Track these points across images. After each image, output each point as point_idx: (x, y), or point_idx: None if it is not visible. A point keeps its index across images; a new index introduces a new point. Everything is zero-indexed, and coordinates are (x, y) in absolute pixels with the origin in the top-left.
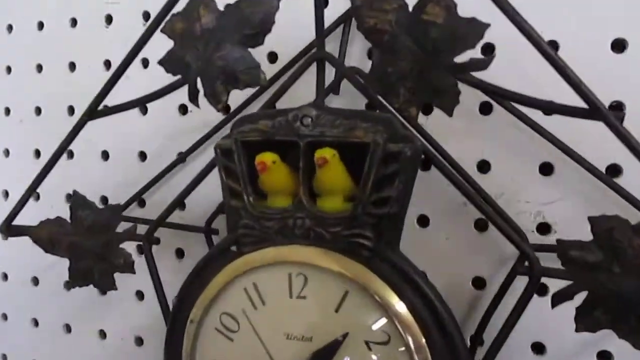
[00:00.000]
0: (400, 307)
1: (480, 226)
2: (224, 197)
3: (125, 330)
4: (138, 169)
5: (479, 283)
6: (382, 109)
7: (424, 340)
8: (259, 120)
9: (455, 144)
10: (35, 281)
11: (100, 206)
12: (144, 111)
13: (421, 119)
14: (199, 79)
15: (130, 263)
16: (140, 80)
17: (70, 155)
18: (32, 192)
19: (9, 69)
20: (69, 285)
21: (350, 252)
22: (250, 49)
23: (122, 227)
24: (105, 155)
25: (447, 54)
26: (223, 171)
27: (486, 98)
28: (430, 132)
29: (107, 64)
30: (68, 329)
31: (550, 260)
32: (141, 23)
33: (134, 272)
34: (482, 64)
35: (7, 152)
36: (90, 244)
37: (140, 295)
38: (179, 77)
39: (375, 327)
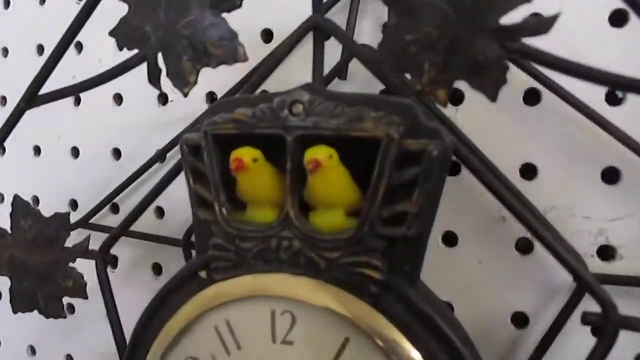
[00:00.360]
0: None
1: (523, 247)
2: (192, 207)
3: (92, 356)
4: (112, 169)
5: (520, 320)
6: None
7: None
8: (236, 108)
9: (492, 142)
10: None
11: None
12: (119, 102)
13: (448, 110)
14: (160, 55)
15: (81, 286)
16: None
17: (37, 152)
18: None
19: None
20: (13, 309)
21: (352, 286)
22: (225, 15)
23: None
24: (75, 152)
25: (491, 14)
26: (190, 174)
27: (533, 83)
28: (460, 128)
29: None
30: (32, 350)
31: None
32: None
33: (86, 297)
34: (543, 26)
35: None
36: (34, 261)
37: None
38: (136, 52)
39: None
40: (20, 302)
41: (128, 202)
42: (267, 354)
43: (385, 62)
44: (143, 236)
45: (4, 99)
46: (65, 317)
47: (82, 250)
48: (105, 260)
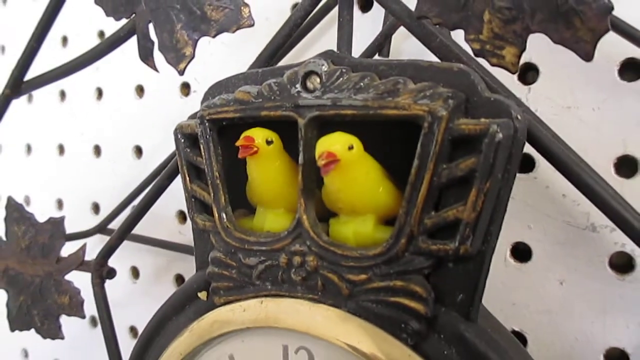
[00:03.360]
0: None
1: (620, 265)
2: (188, 213)
3: None
4: (133, 167)
5: (615, 358)
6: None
7: None
8: (239, 87)
9: (577, 131)
10: None
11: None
12: (140, 94)
13: (519, 90)
14: (151, 25)
15: (77, 303)
16: None
17: (61, 150)
18: None
19: None
20: (10, 327)
21: (385, 320)
22: None
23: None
24: (97, 150)
25: None
26: (186, 170)
27: (631, 51)
28: (534, 111)
29: None
30: None
31: None
32: None
33: (83, 316)
34: None
35: None
36: (30, 273)
37: (134, 332)
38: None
39: None
40: (16, 320)
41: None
42: None
43: (431, 16)
44: (161, 244)
45: None
46: (62, 338)
47: (77, 262)
48: (102, 273)
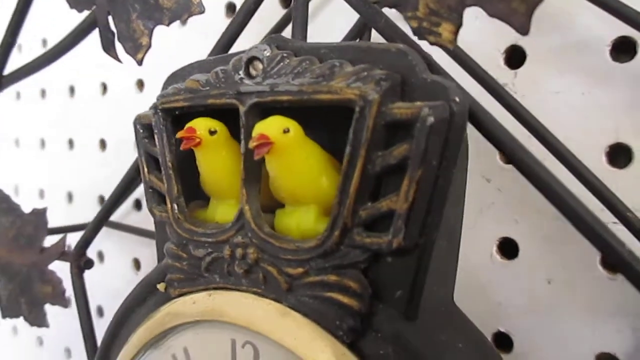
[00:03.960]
0: None
1: (612, 264)
2: (147, 203)
3: None
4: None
5: None
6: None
7: None
8: (190, 75)
9: (567, 117)
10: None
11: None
12: (140, 88)
13: (505, 76)
14: (110, 17)
15: (60, 292)
16: None
17: (71, 145)
18: None
19: None
20: (2, 314)
21: (322, 316)
22: None
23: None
24: (102, 144)
25: None
26: (144, 161)
27: (623, 30)
28: (521, 100)
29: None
30: (68, 353)
31: None
32: None
33: (65, 305)
34: None
35: None
36: (17, 262)
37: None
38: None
39: None
40: (7, 308)
41: None
42: None
43: None
44: (124, 228)
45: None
46: (47, 326)
47: (58, 253)
48: (80, 263)
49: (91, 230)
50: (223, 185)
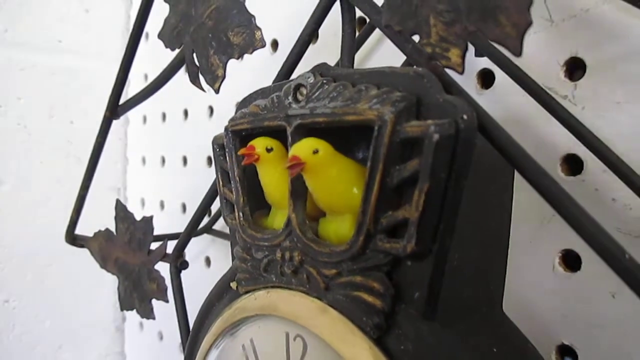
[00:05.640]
0: None
1: None
2: (223, 216)
3: None
4: None
5: None
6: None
7: None
8: (254, 101)
9: (630, 127)
10: None
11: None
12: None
13: (564, 87)
14: (194, 53)
15: (163, 290)
16: None
17: (185, 161)
18: (83, 199)
19: None
20: (120, 306)
21: (354, 314)
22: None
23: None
24: (209, 161)
25: None
26: (220, 176)
27: None
28: (581, 112)
29: None
30: (160, 336)
31: None
32: None
33: (167, 300)
34: None
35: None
36: (131, 262)
37: None
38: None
39: None
40: (124, 301)
41: None
42: None
43: (393, 24)
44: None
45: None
46: (154, 318)
47: (161, 255)
48: (177, 264)
49: (185, 236)
50: (280, 195)
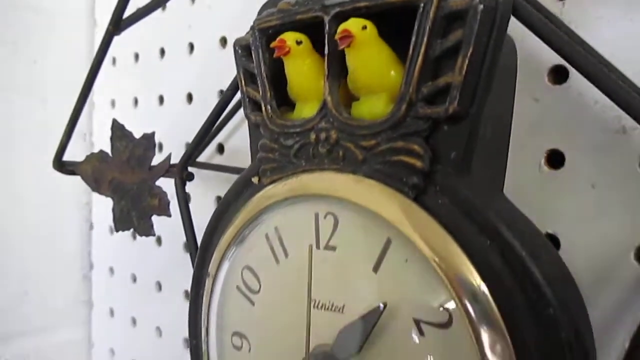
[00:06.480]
0: (468, 276)
1: None
2: (244, 111)
3: None
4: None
5: None
6: None
7: (510, 348)
8: (279, 1)
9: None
10: (134, 235)
11: None
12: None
13: (553, 5)
14: None
15: (165, 204)
16: None
17: (161, 100)
18: (74, 122)
19: None
20: (115, 228)
21: (392, 178)
22: None
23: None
24: (189, 97)
25: None
26: (242, 76)
27: None
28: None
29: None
30: (159, 286)
31: None
32: None
33: (169, 214)
34: None
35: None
36: (129, 181)
37: None
38: None
39: (427, 299)
40: (119, 221)
41: (231, 142)
42: (312, 262)
43: None
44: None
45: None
46: (154, 235)
47: (165, 169)
48: (182, 176)
49: (193, 147)
50: (307, 88)
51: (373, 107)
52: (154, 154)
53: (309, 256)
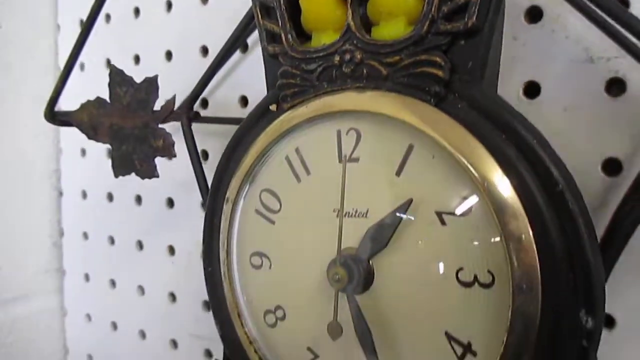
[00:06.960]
0: (488, 165)
1: (615, 90)
2: (262, 47)
3: (191, 244)
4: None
5: (612, 167)
6: None
7: (526, 221)
8: None
9: None
10: (110, 197)
11: None
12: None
13: None
14: None
15: (169, 144)
16: None
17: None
18: (68, 73)
19: None
20: (115, 173)
21: (415, 88)
22: None
23: None
24: (169, 55)
25: None
26: (259, 11)
27: None
28: None
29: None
30: (140, 245)
31: None
32: None
33: (174, 155)
34: None
35: None
36: (130, 125)
37: None
38: None
39: (450, 192)
40: (119, 167)
41: (216, 95)
42: (335, 175)
43: None
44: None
45: None
46: (157, 176)
47: (168, 111)
48: (189, 115)
49: (199, 87)
50: (324, 18)
51: (393, 29)
52: (157, 97)
53: (332, 170)
